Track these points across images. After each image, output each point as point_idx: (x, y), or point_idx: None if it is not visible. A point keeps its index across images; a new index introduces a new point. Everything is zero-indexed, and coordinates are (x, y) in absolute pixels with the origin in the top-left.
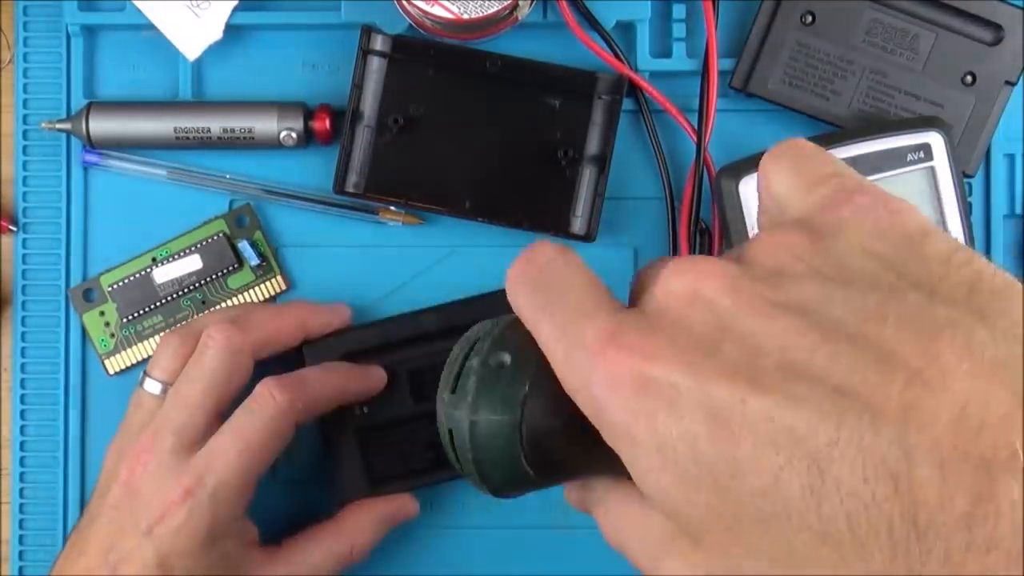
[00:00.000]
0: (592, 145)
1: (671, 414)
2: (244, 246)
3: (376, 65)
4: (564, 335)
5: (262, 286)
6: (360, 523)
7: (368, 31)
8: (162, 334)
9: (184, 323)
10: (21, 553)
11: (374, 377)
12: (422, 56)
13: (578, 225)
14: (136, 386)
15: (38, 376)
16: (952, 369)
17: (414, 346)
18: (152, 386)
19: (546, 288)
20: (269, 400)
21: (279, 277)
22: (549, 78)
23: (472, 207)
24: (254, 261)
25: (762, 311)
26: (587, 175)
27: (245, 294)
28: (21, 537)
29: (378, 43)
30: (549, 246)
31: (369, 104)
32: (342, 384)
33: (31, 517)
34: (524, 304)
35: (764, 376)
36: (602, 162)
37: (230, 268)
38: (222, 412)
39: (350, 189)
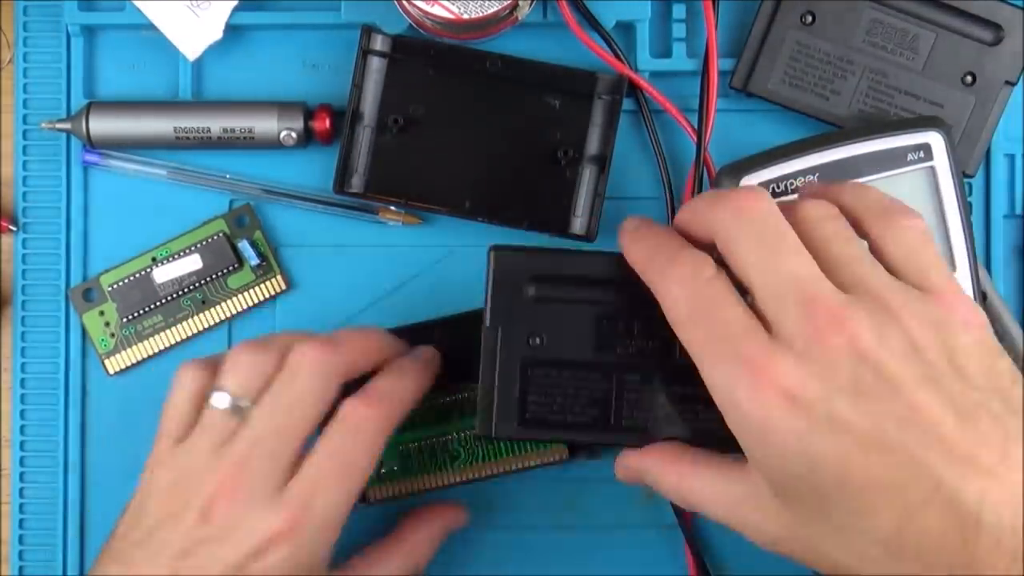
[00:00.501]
0: (592, 145)
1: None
2: (244, 246)
3: (376, 65)
4: (718, 347)
5: (262, 286)
6: (422, 538)
7: (368, 31)
8: (236, 346)
9: (259, 337)
10: (21, 553)
11: (436, 361)
12: (422, 56)
13: (578, 225)
14: (180, 395)
15: (38, 376)
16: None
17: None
18: (221, 401)
19: (708, 295)
20: (363, 419)
21: (279, 277)
22: (549, 78)
23: (472, 207)
24: (254, 261)
25: (905, 384)
26: (587, 175)
27: (245, 294)
28: (21, 537)
29: (378, 43)
30: (712, 263)
31: (369, 104)
32: (421, 385)
33: (31, 517)
34: (679, 300)
35: (888, 436)
36: (602, 162)
37: (230, 268)
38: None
39: (350, 189)
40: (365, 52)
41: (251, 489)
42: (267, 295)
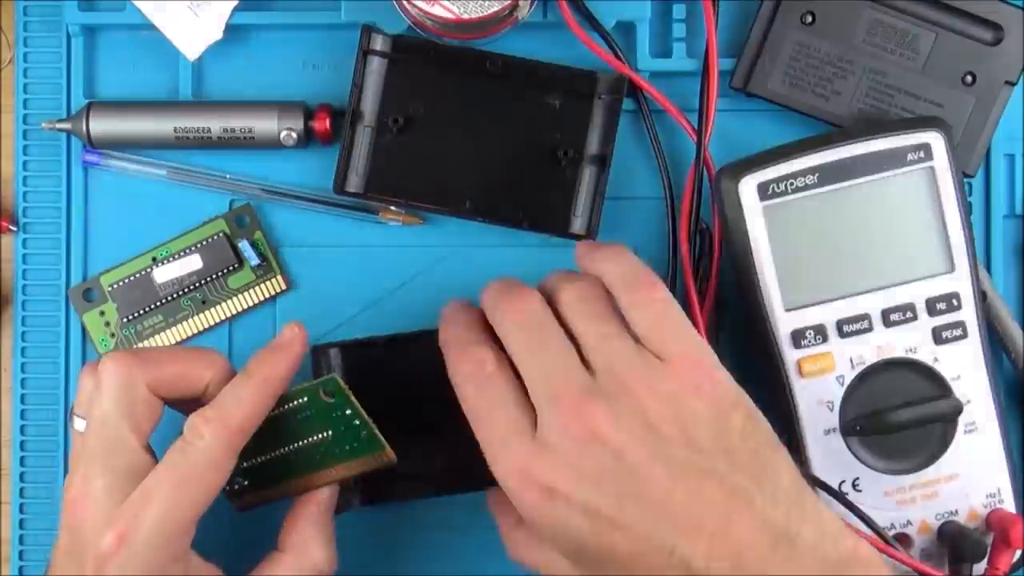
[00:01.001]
0: (592, 145)
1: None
2: (244, 246)
3: (376, 65)
4: (494, 446)
5: (262, 286)
6: (302, 533)
7: (368, 31)
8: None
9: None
10: (21, 553)
11: (291, 356)
12: (422, 56)
13: (578, 225)
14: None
15: (38, 376)
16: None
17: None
18: (79, 424)
19: (486, 394)
20: (195, 433)
21: (279, 277)
22: (549, 78)
23: (472, 207)
24: (254, 261)
25: (640, 463)
26: (587, 175)
27: (245, 294)
28: (21, 537)
29: (378, 43)
30: (492, 359)
31: (369, 104)
32: (266, 393)
33: (31, 517)
34: (467, 398)
35: (627, 515)
36: (602, 162)
37: (230, 268)
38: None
39: (350, 189)
40: (365, 52)
41: (91, 508)
42: (267, 295)
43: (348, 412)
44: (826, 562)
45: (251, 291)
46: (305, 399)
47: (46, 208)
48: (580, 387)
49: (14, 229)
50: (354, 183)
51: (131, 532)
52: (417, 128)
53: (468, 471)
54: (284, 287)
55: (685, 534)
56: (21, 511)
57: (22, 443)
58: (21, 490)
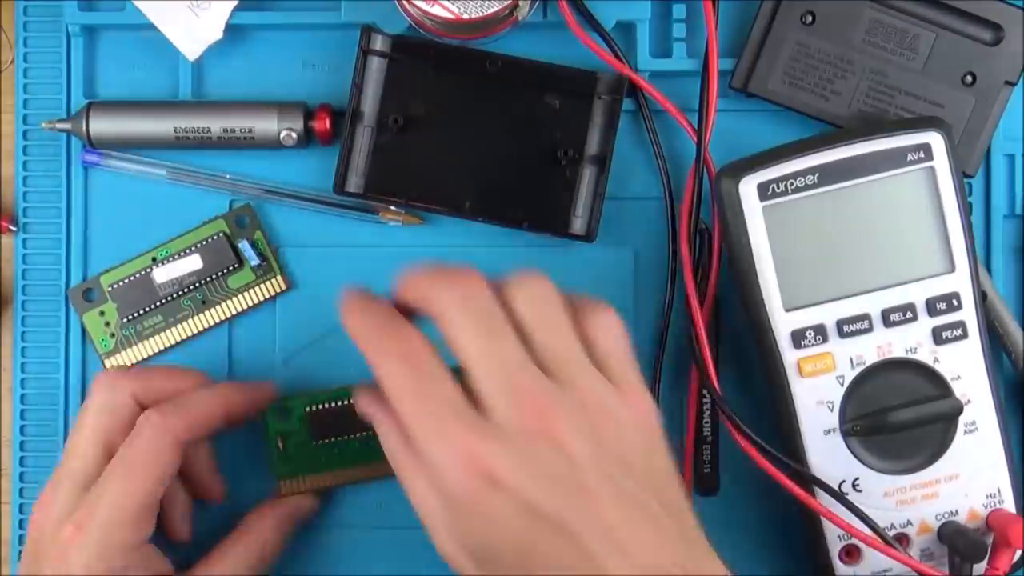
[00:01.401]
0: (592, 145)
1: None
2: (244, 246)
3: (376, 65)
4: (427, 422)
5: (262, 286)
6: (264, 527)
7: (368, 31)
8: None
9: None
10: (21, 553)
11: (264, 391)
12: (422, 56)
13: (578, 225)
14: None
15: (38, 376)
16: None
17: None
18: None
19: (418, 368)
20: (145, 425)
21: (279, 277)
22: (549, 78)
23: (472, 207)
24: (254, 261)
25: (589, 479)
26: (587, 175)
27: (245, 294)
28: (21, 537)
29: (378, 43)
30: (419, 334)
31: (369, 104)
32: (227, 402)
33: None
34: (391, 374)
35: (570, 525)
36: (602, 162)
37: (230, 268)
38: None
39: (350, 189)
40: (365, 52)
41: (54, 510)
42: (267, 295)
43: None
44: None
45: (251, 291)
46: None
47: (46, 208)
48: (542, 387)
49: (14, 229)
50: (354, 183)
51: (86, 521)
52: (417, 128)
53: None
54: (284, 287)
55: (617, 557)
56: (21, 511)
57: (22, 443)
58: (21, 490)
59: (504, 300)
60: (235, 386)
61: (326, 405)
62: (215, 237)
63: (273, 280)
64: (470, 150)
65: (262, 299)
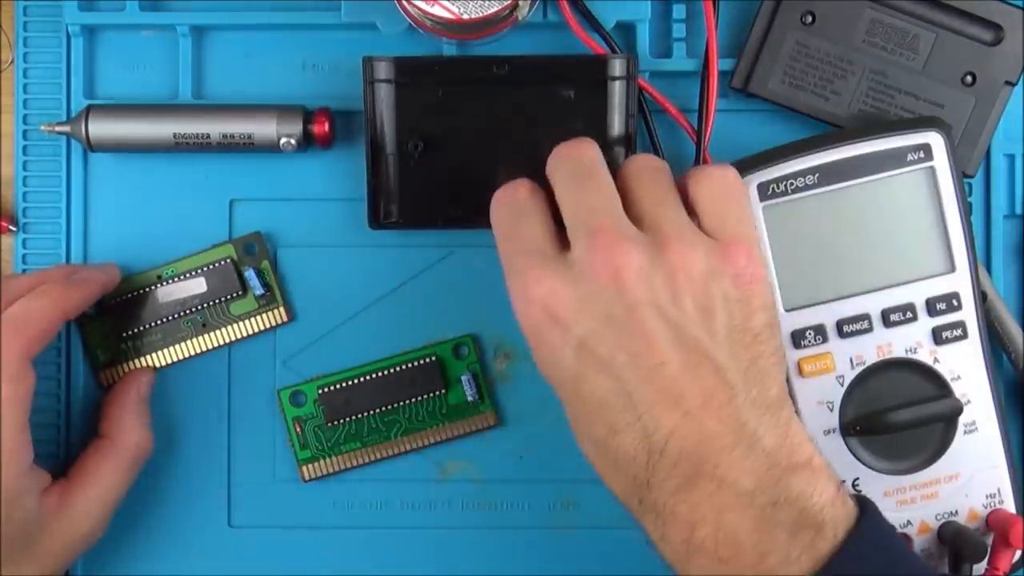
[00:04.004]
0: (615, 127)
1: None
2: (250, 275)
3: (384, 93)
4: (514, 260)
5: (264, 316)
6: (121, 420)
7: (369, 62)
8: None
9: None
10: None
11: (106, 275)
12: (428, 75)
13: None
14: None
15: (38, 377)
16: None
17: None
18: None
19: (516, 216)
20: None
21: (281, 309)
22: (560, 71)
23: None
24: (258, 291)
25: (648, 324)
26: (615, 158)
27: (246, 321)
28: None
29: (382, 71)
30: (527, 186)
31: (386, 132)
32: (64, 306)
33: None
34: (497, 220)
35: (616, 366)
36: (628, 142)
37: (234, 295)
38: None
39: (387, 221)
40: (370, 82)
41: None
42: (268, 325)
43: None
44: (774, 467)
45: (252, 319)
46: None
47: (46, 208)
48: (622, 231)
49: (14, 229)
50: (389, 214)
51: None
52: (438, 147)
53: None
54: (285, 319)
55: (660, 405)
56: None
57: None
58: None
59: (616, 168)
60: (70, 286)
61: (339, 385)
62: (222, 262)
63: (275, 311)
64: (495, 158)
65: (262, 328)
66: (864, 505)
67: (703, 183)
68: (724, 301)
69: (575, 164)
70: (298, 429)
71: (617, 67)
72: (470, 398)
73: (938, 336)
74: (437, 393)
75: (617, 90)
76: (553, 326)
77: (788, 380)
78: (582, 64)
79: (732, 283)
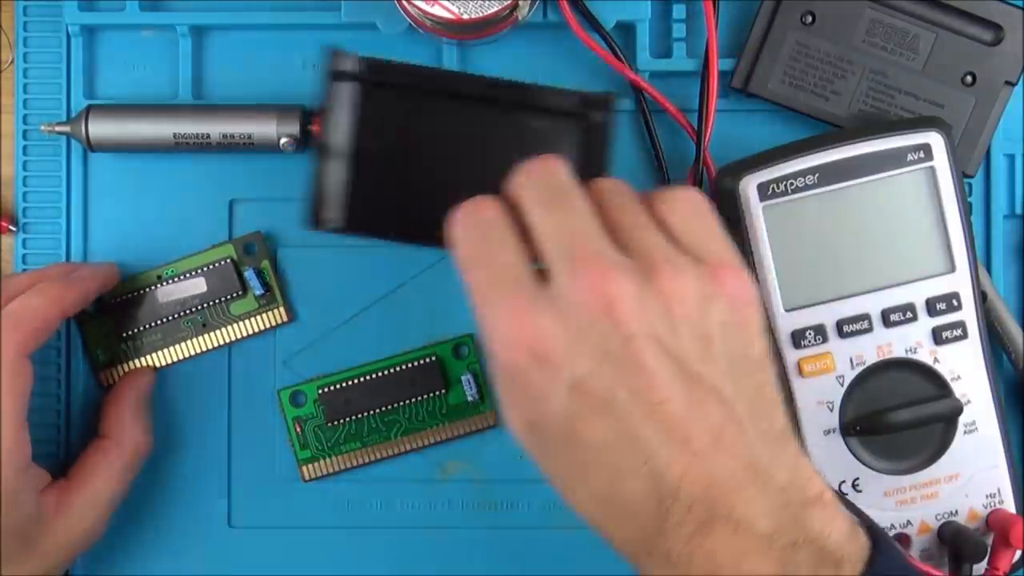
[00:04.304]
0: (590, 166)
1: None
2: (250, 275)
3: (347, 90)
4: (487, 292)
5: (264, 315)
6: (121, 419)
7: (335, 54)
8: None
9: None
10: None
11: (100, 275)
12: (396, 80)
13: None
14: None
15: (38, 377)
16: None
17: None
18: None
19: (486, 239)
20: None
21: (281, 309)
22: (535, 98)
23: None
24: (258, 291)
25: (647, 358)
26: None
27: (246, 321)
28: None
29: (347, 66)
30: (495, 204)
31: (342, 131)
32: (62, 304)
33: None
34: (462, 242)
35: (617, 405)
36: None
37: (234, 295)
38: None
39: (329, 227)
40: (334, 76)
41: None
42: (268, 325)
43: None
44: (789, 504)
45: (252, 319)
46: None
47: (46, 208)
48: (609, 256)
49: (14, 229)
50: (332, 219)
51: None
52: (395, 156)
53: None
54: (285, 319)
55: (670, 445)
56: None
57: None
58: None
59: (584, 187)
60: (68, 284)
61: (339, 385)
62: (222, 262)
63: (275, 311)
64: (457, 178)
65: (262, 328)
66: (876, 536)
67: (675, 205)
68: (722, 327)
69: (547, 184)
70: (298, 429)
71: (592, 103)
72: (470, 398)
73: (938, 336)
74: (437, 393)
75: (590, 128)
76: (541, 367)
77: (788, 380)
78: (558, 95)
79: (728, 307)
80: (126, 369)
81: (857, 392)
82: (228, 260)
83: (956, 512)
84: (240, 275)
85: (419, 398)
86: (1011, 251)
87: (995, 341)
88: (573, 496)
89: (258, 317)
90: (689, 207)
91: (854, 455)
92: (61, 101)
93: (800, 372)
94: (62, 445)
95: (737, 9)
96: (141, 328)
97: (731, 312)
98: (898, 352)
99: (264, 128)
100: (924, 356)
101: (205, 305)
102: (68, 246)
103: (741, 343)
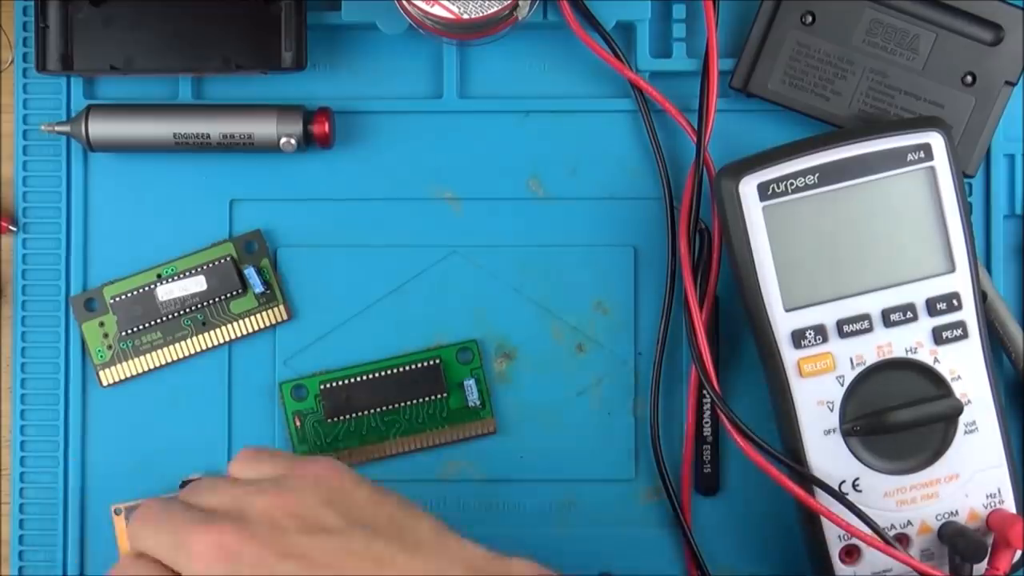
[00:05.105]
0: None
1: None
2: (250, 273)
3: None
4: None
5: (264, 314)
6: None
7: None
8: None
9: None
10: (21, 553)
11: None
12: None
13: (288, 59)
14: None
15: (38, 376)
16: None
17: None
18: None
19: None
20: None
21: (281, 307)
22: None
23: (182, 63)
24: (258, 289)
25: (275, 556)
26: (290, 8)
27: (246, 320)
28: (21, 537)
29: None
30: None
31: None
32: None
33: (31, 517)
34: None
35: None
36: None
37: (234, 293)
38: None
39: (51, 68)
40: None
41: None
42: (268, 323)
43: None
44: None
45: (252, 317)
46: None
47: (46, 208)
48: (201, 519)
49: (14, 229)
50: (54, 61)
51: None
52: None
53: None
54: (285, 317)
55: None
56: (21, 511)
57: (22, 443)
58: (21, 490)
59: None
60: None
61: (341, 382)
62: (222, 261)
63: (275, 309)
64: (171, 8)
65: (262, 327)
66: None
67: (234, 462)
68: (320, 505)
69: (148, 517)
70: (298, 423)
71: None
72: (471, 403)
73: (938, 336)
74: (438, 396)
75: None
76: None
77: (787, 380)
78: None
79: (315, 489)
80: (126, 368)
81: (857, 392)
82: (228, 258)
83: (956, 512)
84: (240, 273)
85: (420, 400)
86: (1011, 251)
87: (995, 341)
88: None
89: (258, 315)
90: (243, 458)
91: (854, 455)
92: (61, 101)
93: (800, 372)
94: (62, 445)
95: (737, 9)
96: (140, 327)
97: (319, 490)
98: (898, 352)
99: (264, 128)
100: (924, 356)
101: (205, 303)
102: (68, 246)
103: (344, 503)
